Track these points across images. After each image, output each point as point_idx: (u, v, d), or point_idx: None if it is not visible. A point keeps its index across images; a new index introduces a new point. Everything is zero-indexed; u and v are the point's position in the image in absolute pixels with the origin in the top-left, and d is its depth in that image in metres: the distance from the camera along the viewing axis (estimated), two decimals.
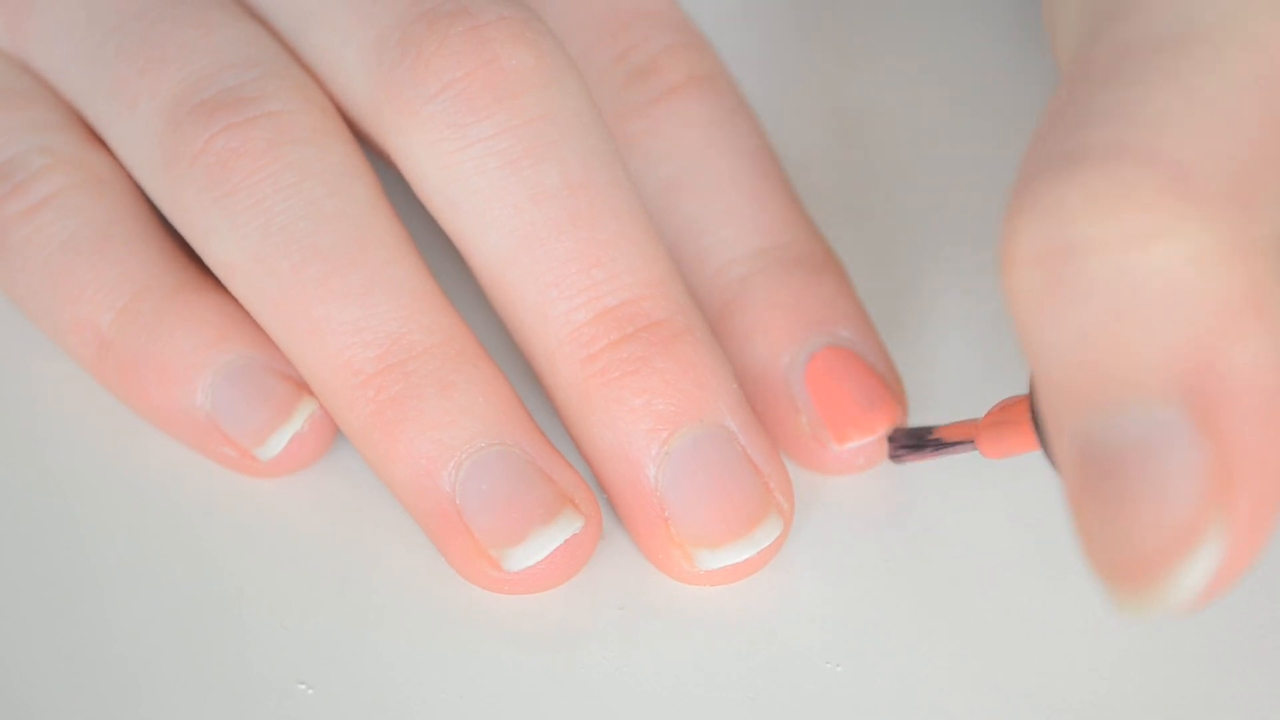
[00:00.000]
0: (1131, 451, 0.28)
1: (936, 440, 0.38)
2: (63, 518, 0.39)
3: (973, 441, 0.37)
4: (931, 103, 0.48)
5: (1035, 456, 0.39)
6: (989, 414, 0.36)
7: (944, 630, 0.37)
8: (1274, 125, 0.28)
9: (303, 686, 0.36)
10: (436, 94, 0.37)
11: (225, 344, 0.39)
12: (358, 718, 0.36)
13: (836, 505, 0.39)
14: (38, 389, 0.41)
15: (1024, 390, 0.38)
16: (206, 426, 0.39)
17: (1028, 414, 0.34)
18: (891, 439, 0.39)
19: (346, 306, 0.37)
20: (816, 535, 0.39)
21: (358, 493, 0.39)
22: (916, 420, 0.40)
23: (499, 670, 0.36)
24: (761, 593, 0.38)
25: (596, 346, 0.37)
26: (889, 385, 0.39)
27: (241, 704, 0.36)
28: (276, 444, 0.39)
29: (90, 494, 0.39)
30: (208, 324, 0.39)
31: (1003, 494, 0.39)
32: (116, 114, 0.39)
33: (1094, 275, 0.28)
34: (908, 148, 0.47)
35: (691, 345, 0.38)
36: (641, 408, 0.37)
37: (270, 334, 0.38)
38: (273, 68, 0.39)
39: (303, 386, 0.39)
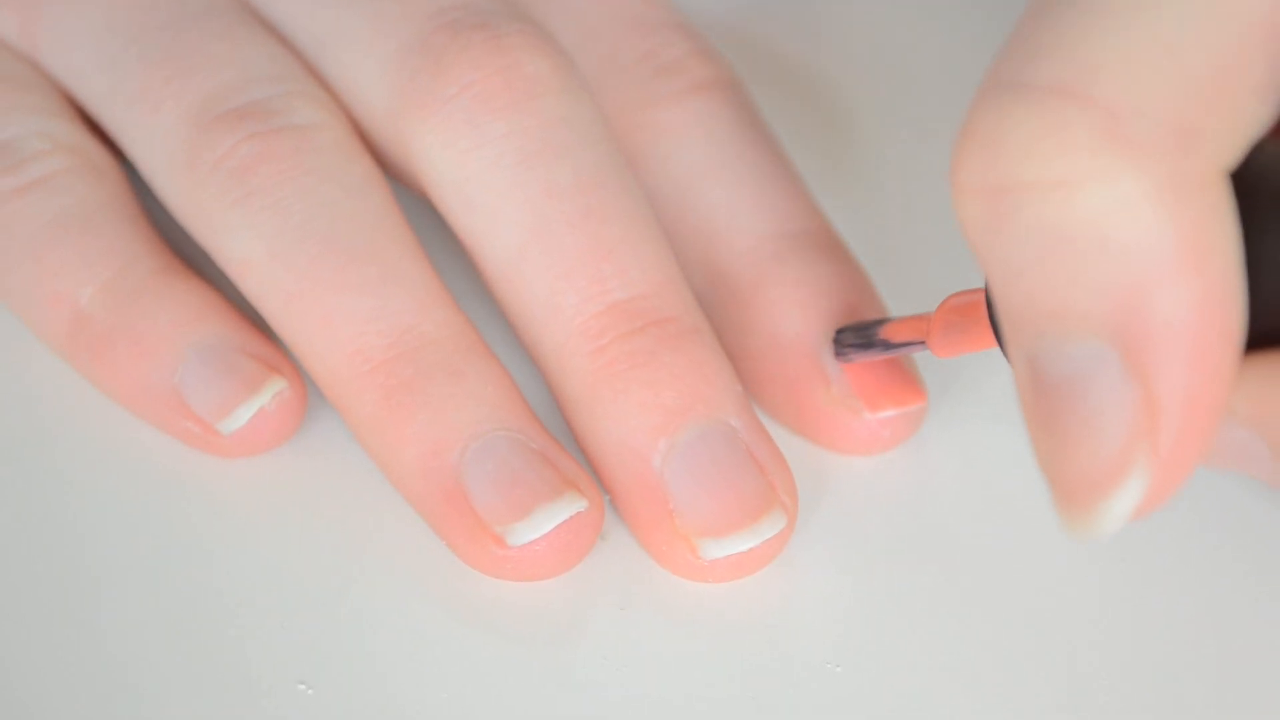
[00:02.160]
0: (1067, 383, 0.29)
1: (884, 341, 0.38)
2: (62, 518, 0.39)
3: (923, 341, 0.37)
4: (928, 97, 0.48)
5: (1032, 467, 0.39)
6: (940, 311, 0.36)
7: (944, 631, 0.37)
8: (1215, 59, 0.28)
9: (303, 686, 0.36)
10: (455, 95, 0.39)
11: (202, 323, 0.39)
12: (358, 718, 0.36)
13: (835, 507, 0.39)
14: (37, 389, 0.41)
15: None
16: (172, 401, 0.39)
17: (985, 312, 0.35)
18: (838, 337, 0.39)
19: (361, 297, 0.38)
20: (816, 536, 0.39)
21: (358, 493, 0.39)
22: (934, 416, 0.40)
23: (499, 670, 0.36)
24: (761, 593, 0.38)
25: (605, 339, 0.38)
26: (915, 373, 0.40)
27: (241, 704, 0.36)
28: (240, 418, 0.39)
29: (89, 494, 0.39)
30: (187, 303, 0.40)
31: (1004, 493, 0.39)
32: (137, 118, 0.40)
33: (1026, 216, 0.29)
34: (905, 145, 0.47)
35: (698, 344, 0.38)
36: (648, 400, 0.37)
37: (280, 329, 0.39)
38: (298, 85, 0.40)
39: (273, 366, 0.39)
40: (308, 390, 0.40)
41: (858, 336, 0.38)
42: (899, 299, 0.42)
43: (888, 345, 0.38)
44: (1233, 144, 0.29)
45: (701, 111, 0.42)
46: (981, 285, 0.36)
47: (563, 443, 0.39)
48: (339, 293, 0.38)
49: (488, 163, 0.39)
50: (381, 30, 0.40)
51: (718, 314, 0.41)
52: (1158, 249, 0.28)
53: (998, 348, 0.34)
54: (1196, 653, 0.37)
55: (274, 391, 0.39)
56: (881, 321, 0.38)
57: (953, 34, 0.50)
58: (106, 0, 0.41)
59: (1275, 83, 0.29)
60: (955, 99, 0.48)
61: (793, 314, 0.40)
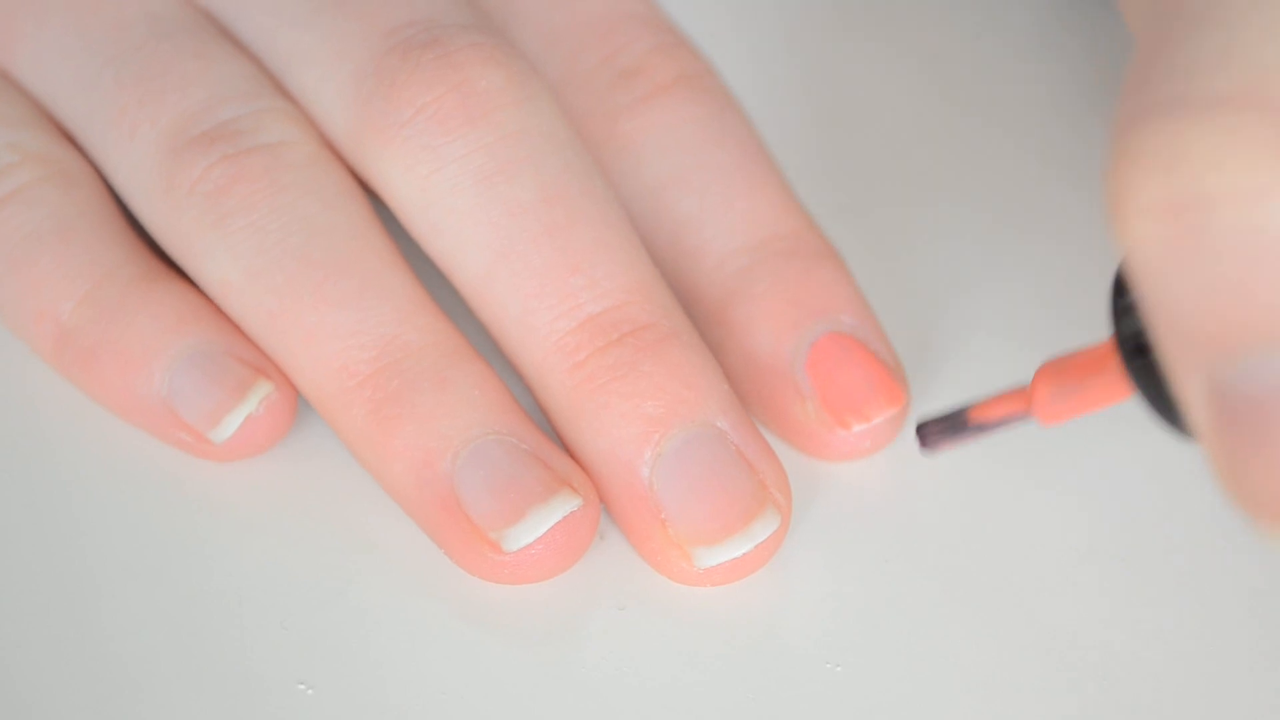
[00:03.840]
0: (1268, 397, 0.28)
1: (978, 424, 0.36)
2: (61, 519, 0.39)
3: (1024, 413, 0.35)
4: (926, 97, 0.48)
5: (1043, 454, 0.39)
6: (1043, 377, 0.34)
7: (944, 630, 0.37)
8: None
9: (303, 686, 0.36)
10: (410, 119, 0.39)
11: (185, 330, 0.39)
12: (358, 718, 0.36)
13: (835, 505, 0.39)
14: (35, 391, 0.41)
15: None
16: (162, 411, 0.39)
17: (1108, 365, 0.33)
18: (921, 431, 0.37)
19: (341, 311, 0.38)
20: (815, 535, 0.39)
21: (358, 493, 0.39)
22: (917, 407, 0.40)
23: (499, 671, 0.36)
24: (761, 593, 0.38)
25: (582, 355, 0.38)
26: (890, 370, 0.40)
27: (241, 704, 0.36)
28: (229, 426, 0.39)
29: (89, 494, 0.39)
30: (168, 310, 0.39)
31: (1003, 491, 0.39)
32: (114, 142, 0.40)
33: (1221, 228, 0.28)
34: (902, 143, 0.47)
35: (678, 347, 0.38)
36: (630, 412, 0.37)
37: (265, 348, 0.39)
38: (269, 102, 0.40)
39: (259, 369, 0.39)
40: (297, 391, 0.40)
41: (944, 426, 0.37)
42: (890, 292, 0.42)
43: (982, 427, 0.36)
44: None
45: (664, 116, 0.42)
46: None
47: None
48: (319, 308, 0.38)
49: (448, 186, 0.38)
50: (338, 52, 0.40)
51: None
52: None
53: (1118, 403, 0.33)
54: (1193, 651, 0.37)
55: (261, 396, 0.39)
56: (966, 407, 0.36)
57: (938, 35, 0.50)
58: (81, 22, 0.41)
59: None
60: (942, 97, 0.48)
61: (763, 331, 0.40)
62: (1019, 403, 0.35)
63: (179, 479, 0.39)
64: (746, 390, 0.40)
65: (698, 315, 0.40)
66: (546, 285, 0.38)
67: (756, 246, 0.40)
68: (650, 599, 0.38)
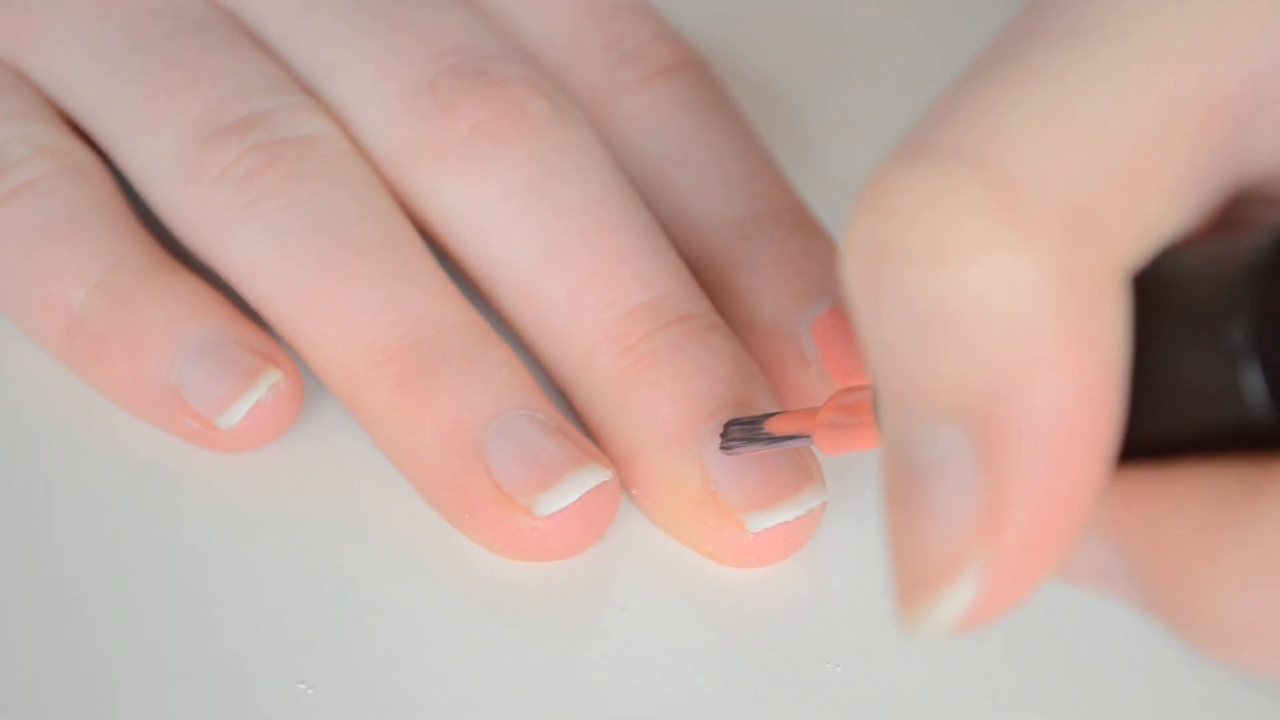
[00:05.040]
0: (920, 467, 0.27)
1: (768, 435, 0.37)
2: (60, 517, 0.39)
3: (808, 436, 0.36)
4: (898, 85, 0.48)
5: None
6: (826, 407, 0.35)
7: None
8: (1134, 152, 0.26)
9: (303, 686, 0.36)
10: (465, 136, 0.40)
11: (196, 318, 0.39)
12: (358, 718, 0.36)
13: (836, 505, 0.39)
14: (33, 388, 0.41)
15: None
16: (170, 398, 0.39)
17: (872, 413, 0.33)
18: (725, 431, 0.38)
19: (372, 290, 0.39)
20: (816, 536, 0.39)
21: (359, 494, 0.39)
22: None
23: (500, 669, 0.36)
24: (761, 593, 0.38)
25: (632, 339, 0.39)
26: None
27: (241, 704, 0.36)
28: (238, 412, 0.39)
29: (88, 493, 0.39)
30: (180, 299, 0.40)
31: None
32: (137, 128, 0.41)
33: (903, 283, 0.26)
34: (874, 129, 0.47)
35: (723, 338, 0.39)
36: (681, 390, 0.38)
37: (290, 327, 0.39)
38: (299, 99, 0.41)
39: (268, 357, 0.39)
40: (303, 383, 0.40)
41: (744, 430, 0.37)
42: None
43: (771, 439, 0.36)
44: (1136, 242, 0.27)
45: (667, 95, 0.43)
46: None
47: None
48: (350, 286, 0.39)
49: (499, 191, 0.40)
50: (385, 71, 0.41)
51: None
52: (1037, 335, 0.26)
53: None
54: (1198, 663, 0.37)
55: (270, 384, 0.39)
56: (768, 415, 0.37)
57: (923, 26, 0.50)
58: (101, 11, 0.42)
59: (1194, 185, 0.27)
60: (923, 88, 0.48)
61: (765, 298, 0.40)
62: (806, 423, 0.36)
63: (179, 477, 0.39)
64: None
65: (701, 283, 0.41)
66: (596, 276, 0.39)
67: (761, 216, 0.41)
68: (651, 599, 0.38)
